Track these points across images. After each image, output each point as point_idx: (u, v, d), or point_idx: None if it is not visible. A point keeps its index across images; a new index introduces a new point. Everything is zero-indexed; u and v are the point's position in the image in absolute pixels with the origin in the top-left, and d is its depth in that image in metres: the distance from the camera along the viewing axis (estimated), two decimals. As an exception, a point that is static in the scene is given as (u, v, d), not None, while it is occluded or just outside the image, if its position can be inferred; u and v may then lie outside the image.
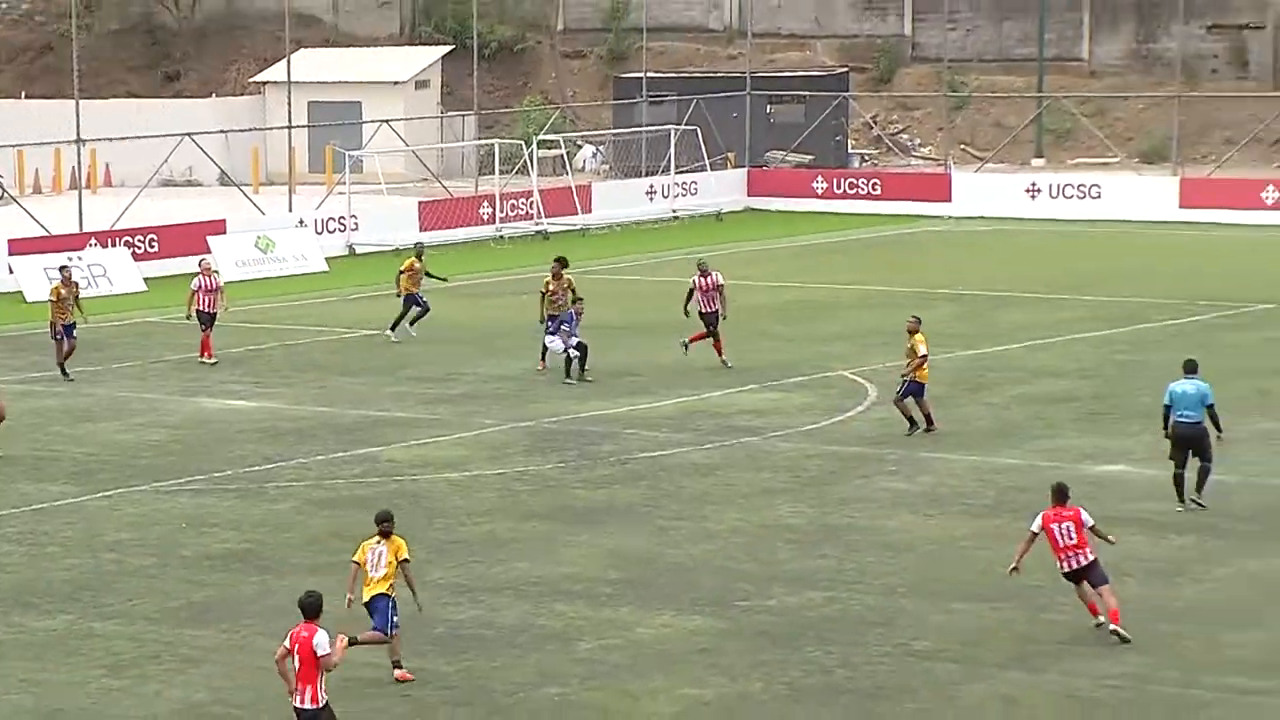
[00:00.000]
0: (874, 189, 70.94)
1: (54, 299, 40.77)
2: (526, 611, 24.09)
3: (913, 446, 32.92)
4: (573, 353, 38.90)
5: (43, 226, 56.42)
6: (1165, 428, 28.81)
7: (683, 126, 71.55)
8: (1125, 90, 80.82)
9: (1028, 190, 68.99)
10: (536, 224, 64.33)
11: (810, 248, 60.94)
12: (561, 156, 70.02)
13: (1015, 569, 23.31)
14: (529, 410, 36.55)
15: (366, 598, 21.64)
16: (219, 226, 57.66)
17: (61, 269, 42.65)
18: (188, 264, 49.81)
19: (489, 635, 23.44)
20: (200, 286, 41.95)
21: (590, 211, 66.69)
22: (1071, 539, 23.01)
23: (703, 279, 40.16)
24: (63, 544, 27.95)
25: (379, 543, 21.77)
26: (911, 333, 33.56)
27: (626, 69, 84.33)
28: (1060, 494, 23.36)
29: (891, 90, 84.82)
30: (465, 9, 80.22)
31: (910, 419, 33.70)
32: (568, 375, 38.83)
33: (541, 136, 70.30)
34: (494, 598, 24.91)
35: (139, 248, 55.46)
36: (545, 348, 39.67)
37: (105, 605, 24.94)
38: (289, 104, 66.62)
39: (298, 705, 18.59)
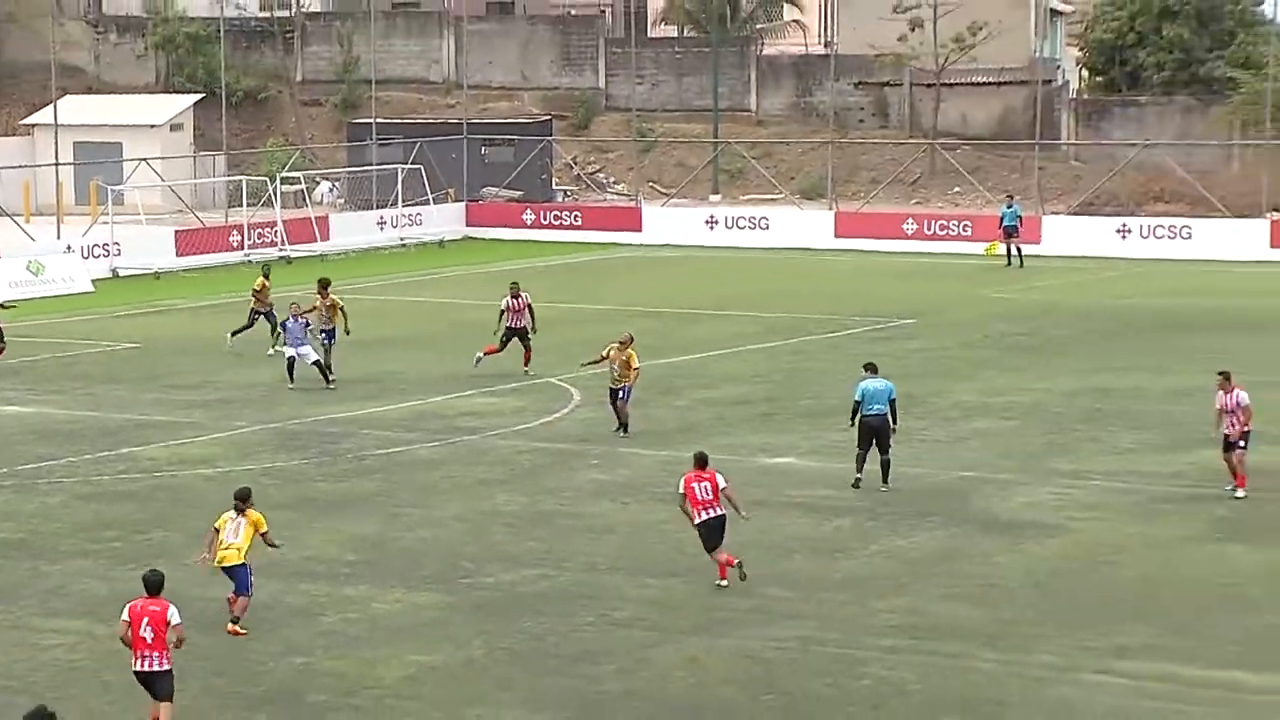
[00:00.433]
0: (575, 220, 71.34)
1: None
2: (276, 590, 23.68)
3: (612, 443, 33.00)
4: (311, 358, 38.45)
5: None
6: (852, 420, 29.17)
7: (408, 165, 71.31)
8: (787, 137, 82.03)
9: (707, 221, 69.70)
10: (281, 250, 63.62)
11: (521, 271, 60.87)
12: (302, 191, 69.29)
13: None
14: (276, 413, 36.01)
15: (226, 565, 21.82)
16: (-6, 252, 56.34)
17: None
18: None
19: (242, 612, 23.01)
20: None
21: (328, 239, 66.21)
22: (708, 495, 23.76)
23: (514, 300, 39.65)
24: None
25: (237, 515, 21.93)
26: (624, 345, 33.62)
27: (358, 115, 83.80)
28: (700, 460, 24.12)
29: (589, 135, 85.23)
30: (214, 61, 79.48)
31: (624, 421, 33.60)
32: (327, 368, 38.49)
33: (284, 174, 69.52)
34: (246, 579, 24.46)
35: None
36: (293, 359, 38.71)
37: (-108, 591, 24.10)
38: (56, 144, 65.82)
39: (155, 669, 18.34)
